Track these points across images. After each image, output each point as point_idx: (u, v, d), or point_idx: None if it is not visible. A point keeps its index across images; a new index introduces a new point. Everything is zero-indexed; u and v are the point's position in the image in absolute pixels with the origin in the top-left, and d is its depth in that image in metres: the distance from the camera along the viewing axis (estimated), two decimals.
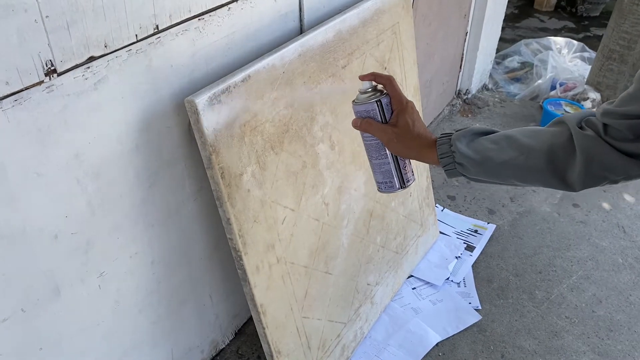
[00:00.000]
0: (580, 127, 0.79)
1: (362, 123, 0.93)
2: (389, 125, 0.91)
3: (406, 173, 0.96)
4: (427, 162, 0.92)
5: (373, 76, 0.93)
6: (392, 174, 0.95)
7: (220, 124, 1.04)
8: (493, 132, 0.88)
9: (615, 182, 0.78)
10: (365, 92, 0.94)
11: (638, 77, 0.73)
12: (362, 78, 0.94)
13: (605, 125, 0.75)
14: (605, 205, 2.17)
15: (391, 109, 0.92)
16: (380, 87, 0.94)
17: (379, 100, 0.92)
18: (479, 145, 0.86)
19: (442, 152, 0.88)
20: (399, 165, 0.95)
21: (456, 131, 0.89)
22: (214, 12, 1.08)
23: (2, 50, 0.74)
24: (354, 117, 0.97)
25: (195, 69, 1.09)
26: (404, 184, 0.96)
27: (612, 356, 1.59)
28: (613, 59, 2.64)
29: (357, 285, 1.53)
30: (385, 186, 0.97)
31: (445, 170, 0.90)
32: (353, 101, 0.95)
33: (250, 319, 1.63)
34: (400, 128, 0.90)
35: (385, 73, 0.92)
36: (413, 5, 1.61)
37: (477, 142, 0.87)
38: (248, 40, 1.20)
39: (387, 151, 0.94)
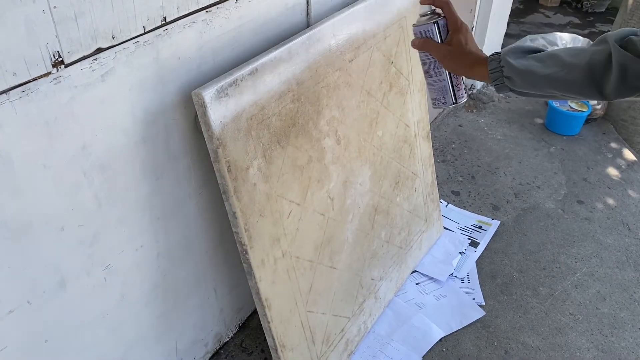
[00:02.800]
0: (621, 46, 0.83)
1: (420, 42, 1.00)
2: (445, 44, 0.98)
3: (459, 90, 1.03)
4: (477, 78, 0.98)
5: (431, 0, 0.99)
6: (446, 89, 1.02)
7: (227, 117, 1.03)
8: (540, 50, 0.94)
9: None
10: (425, 15, 1.00)
11: None
12: (422, 2, 1.00)
13: None
14: (610, 202, 2.17)
15: (447, 30, 0.99)
16: (438, 10, 1.00)
17: (436, 22, 0.98)
18: (526, 61, 0.92)
19: (492, 67, 0.94)
20: (453, 82, 1.02)
21: (505, 49, 0.95)
22: (221, 4, 1.07)
23: (10, 41, 0.74)
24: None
25: (202, 62, 1.08)
26: (456, 100, 1.03)
27: (615, 353, 1.59)
28: None
29: (361, 280, 1.53)
30: (439, 102, 1.04)
31: (494, 85, 0.95)
32: (413, 24, 1.02)
33: (254, 312, 1.63)
34: (455, 46, 0.97)
35: None
36: None
37: (524, 58, 0.92)
38: (255, 33, 1.19)
39: (442, 69, 1.00)
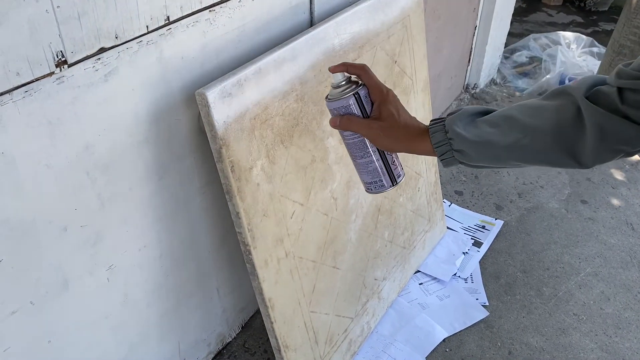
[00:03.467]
0: (588, 98, 0.70)
1: (342, 121, 0.83)
2: (372, 119, 0.82)
3: (395, 168, 0.87)
4: (420, 153, 0.83)
5: (345, 67, 0.83)
6: (380, 172, 0.85)
7: (231, 117, 1.03)
8: (489, 111, 0.81)
9: (632, 154, 0.72)
10: (339, 86, 0.84)
11: None
12: (333, 70, 0.83)
13: (620, 90, 0.68)
14: (614, 202, 2.16)
15: (370, 101, 0.84)
16: (354, 78, 0.84)
17: (357, 93, 0.82)
18: (477, 129, 0.77)
19: (437, 140, 0.79)
20: (387, 161, 0.86)
21: (448, 115, 0.80)
22: (224, 3, 1.06)
23: (13, 41, 0.74)
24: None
25: (205, 61, 1.07)
26: (394, 180, 0.87)
27: (620, 354, 1.58)
28: (623, 55, 2.61)
29: (364, 280, 1.53)
30: (374, 186, 0.87)
31: (442, 160, 0.81)
32: (326, 97, 0.85)
33: (257, 312, 1.63)
34: (385, 120, 0.81)
35: (358, 63, 0.83)
36: None
37: (474, 124, 0.78)
38: (258, 33, 1.18)
39: (372, 148, 0.84)
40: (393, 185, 0.86)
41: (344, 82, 0.84)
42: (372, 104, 0.84)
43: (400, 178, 0.87)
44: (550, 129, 0.73)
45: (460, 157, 0.80)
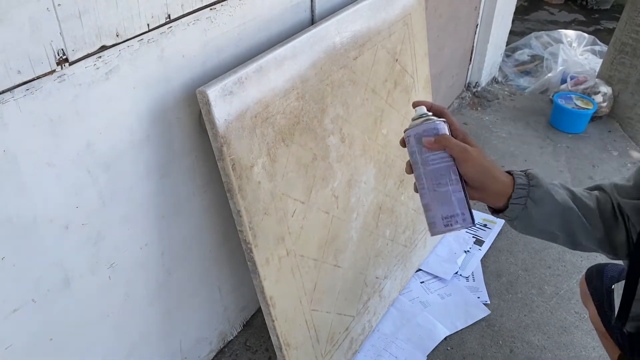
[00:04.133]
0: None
1: (439, 139, 0.78)
2: (475, 148, 0.79)
3: (470, 207, 0.78)
4: (490, 196, 0.81)
5: (428, 104, 0.85)
6: (463, 204, 0.76)
7: (232, 115, 1.03)
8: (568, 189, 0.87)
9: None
10: (420, 117, 0.82)
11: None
12: (417, 104, 0.84)
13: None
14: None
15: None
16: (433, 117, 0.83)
17: (445, 122, 0.80)
18: (553, 202, 0.83)
19: (518, 195, 0.80)
20: (467, 195, 0.78)
21: (531, 184, 0.82)
22: (225, 1, 1.06)
23: (15, 39, 0.74)
24: (401, 135, 0.84)
25: (206, 60, 1.07)
26: (474, 218, 0.78)
27: None
28: (625, 53, 2.60)
29: (365, 278, 1.53)
30: (455, 220, 0.77)
31: (512, 204, 0.81)
32: (411, 126, 0.82)
33: (258, 311, 1.63)
34: (477, 147, 0.79)
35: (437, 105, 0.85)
36: None
37: (546, 205, 0.83)
38: (259, 31, 1.18)
39: (457, 176, 0.78)
40: (473, 223, 0.78)
41: (424, 115, 0.82)
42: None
43: (473, 222, 0.79)
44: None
45: (514, 219, 0.83)
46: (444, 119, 0.81)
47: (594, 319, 1.21)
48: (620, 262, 0.98)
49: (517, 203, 0.80)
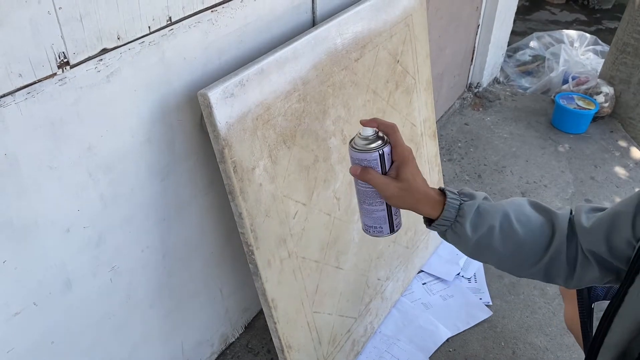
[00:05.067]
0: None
1: (362, 172, 0.86)
2: (390, 178, 0.86)
3: (397, 219, 0.92)
4: (421, 214, 0.91)
5: (376, 123, 0.86)
6: (382, 220, 0.91)
7: (233, 118, 1.03)
8: (494, 210, 0.89)
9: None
10: (367, 139, 0.86)
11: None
12: (365, 124, 0.86)
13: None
14: (618, 201, 2.15)
15: (392, 159, 0.87)
16: (381, 134, 0.87)
17: (382, 150, 0.85)
18: (479, 233, 0.88)
19: (445, 218, 0.88)
20: (391, 213, 0.91)
21: (463, 199, 0.89)
22: (226, 3, 1.06)
23: (16, 42, 0.74)
24: (349, 162, 0.89)
25: (208, 62, 1.07)
26: (393, 229, 0.92)
27: None
28: (627, 53, 2.60)
29: (367, 280, 1.52)
30: (374, 230, 0.92)
31: (435, 228, 0.91)
32: (351, 145, 0.88)
33: (260, 312, 1.63)
34: (403, 182, 0.86)
35: (389, 121, 0.87)
36: None
37: (479, 225, 0.88)
38: (261, 33, 1.18)
39: (381, 199, 0.89)
40: (391, 233, 0.92)
41: (372, 136, 0.86)
42: (392, 163, 0.88)
43: (399, 227, 0.93)
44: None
45: (451, 238, 0.91)
46: (380, 147, 0.86)
47: (572, 320, 1.16)
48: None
49: (440, 231, 0.91)
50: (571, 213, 0.90)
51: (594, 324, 1.02)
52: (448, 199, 0.88)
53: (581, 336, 1.13)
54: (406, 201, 0.87)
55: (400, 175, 0.86)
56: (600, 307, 1.06)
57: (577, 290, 1.13)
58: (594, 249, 0.84)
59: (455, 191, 0.90)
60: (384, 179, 0.86)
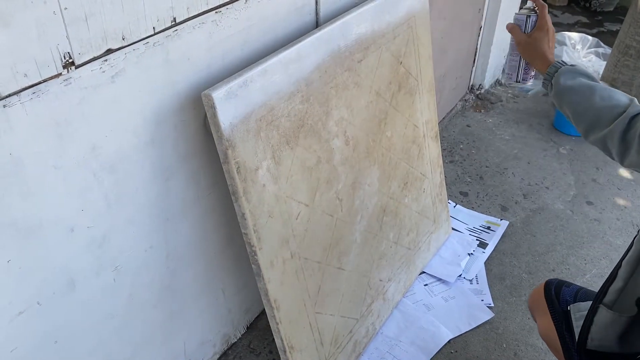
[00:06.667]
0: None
1: (510, 26, 1.25)
2: (526, 35, 1.22)
3: (526, 74, 1.30)
4: (535, 69, 1.25)
5: (533, 1, 1.23)
6: (515, 68, 1.29)
7: (237, 119, 1.03)
8: (592, 78, 1.10)
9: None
10: (526, 8, 1.24)
11: None
12: None
13: None
14: (620, 203, 2.15)
15: (535, 26, 1.22)
16: (536, 9, 1.23)
17: (529, 16, 1.22)
18: (570, 83, 1.09)
19: (549, 74, 1.15)
20: (521, 65, 1.29)
21: (563, 66, 1.13)
22: (230, 5, 1.06)
23: (21, 42, 0.74)
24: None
25: (212, 63, 1.08)
26: (518, 79, 1.30)
27: None
28: (629, 55, 2.60)
29: (369, 281, 1.53)
30: (507, 77, 1.33)
31: (543, 82, 1.18)
32: (515, 13, 1.27)
33: (262, 313, 1.63)
34: (532, 39, 1.20)
35: (543, 2, 1.22)
36: None
37: (572, 79, 1.10)
38: (264, 34, 1.19)
39: (516, 51, 1.26)
40: (517, 82, 1.31)
41: (527, 8, 1.24)
42: (534, 29, 1.23)
43: (525, 82, 1.31)
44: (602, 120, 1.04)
45: (548, 88, 1.16)
46: (530, 14, 1.22)
47: (547, 331, 1.20)
48: (575, 284, 1.22)
49: (546, 79, 1.16)
50: None
51: (573, 324, 1.09)
52: (555, 63, 1.15)
53: (559, 342, 1.16)
54: (527, 53, 1.22)
55: (533, 35, 1.21)
56: (577, 308, 1.11)
57: (546, 300, 1.22)
58: None
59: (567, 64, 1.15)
60: (521, 33, 1.23)
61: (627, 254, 0.96)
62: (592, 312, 1.01)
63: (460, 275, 1.80)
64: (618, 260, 0.99)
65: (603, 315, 0.99)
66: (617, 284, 0.96)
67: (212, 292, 1.37)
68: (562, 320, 1.17)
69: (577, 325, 1.08)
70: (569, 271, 1.84)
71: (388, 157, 1.51)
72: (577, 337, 1.06)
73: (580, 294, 1.19)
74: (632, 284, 0.94)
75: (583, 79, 1.09)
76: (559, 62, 1.15)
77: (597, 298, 1.00)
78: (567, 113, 1.12)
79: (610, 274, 0.99)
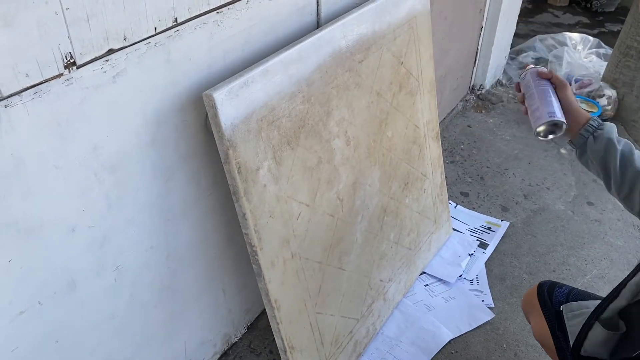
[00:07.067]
0: None
1: (550, 71, 1.15)
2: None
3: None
4: (568, 121, 1.11)
5: (552, 74, 1.14)
6: (557, 106, 1.14)
7: (238, 119, 1.03)
8: (619, 141, 1.04)
9: None
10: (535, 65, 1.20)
11: None
12: (542, 74, 1.15)
13: None
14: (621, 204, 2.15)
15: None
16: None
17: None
18: (601, 152, 1.05)
19: (584, 131, 1.08)
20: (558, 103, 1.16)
21: (598, 128, 1.07)
22: (232, 5, 1.06)
23: (23, 42, 0.74)
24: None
25: (213, 63, 1.08)
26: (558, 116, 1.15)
27: None
28: (630, 56, 2.60)
29: (370, 281, 1.53)
30: (553, 114, 1.14)
31: (572, 142, 1.13)
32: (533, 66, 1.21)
33: (263, 313, 1.63)
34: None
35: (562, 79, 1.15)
36: None
37: (604, 146, 1.05)
38: (265, 34, 1.19)
39: (555, 92, 1.15)
40: (556, 118, 1.14)
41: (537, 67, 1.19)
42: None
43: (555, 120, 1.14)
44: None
45: (577, 151, 1.11)
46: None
47: (541, 332, 1.21)
48: (567, 284, 1.22)
49: (582, 135, 1.07)
50: None
51: (566, 324, 1.10)
52: (590, 122, 1.08)
53: (552, 343, 1.17)
54: (570, 100, 1.11)
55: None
56: (569, 308, 1.12)
57: (539, 301, 1.22)
58: None
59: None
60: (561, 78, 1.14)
61: (633, 275, 0.94)
62: (587, 327, 1.00)
63: (460, 276, 1.80)
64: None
65: (598, 332, 0.99)
66: (619, 302, 0.96)
67: (212, 292, 1.37)
68: (554, 320, 1.17)
69: (569, 325, 1.09)
70: (570, 272, 1.84)
71: (389, 158, 1.51)
72: (570, 338, 1.07)
73: (573, 294, 1.19)
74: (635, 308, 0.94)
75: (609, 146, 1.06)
76: (593, 124, 1.09)
77: (594, 314, 0.99)
78: (609, 167, 1.06)
79: (611, 291, 0.98)
